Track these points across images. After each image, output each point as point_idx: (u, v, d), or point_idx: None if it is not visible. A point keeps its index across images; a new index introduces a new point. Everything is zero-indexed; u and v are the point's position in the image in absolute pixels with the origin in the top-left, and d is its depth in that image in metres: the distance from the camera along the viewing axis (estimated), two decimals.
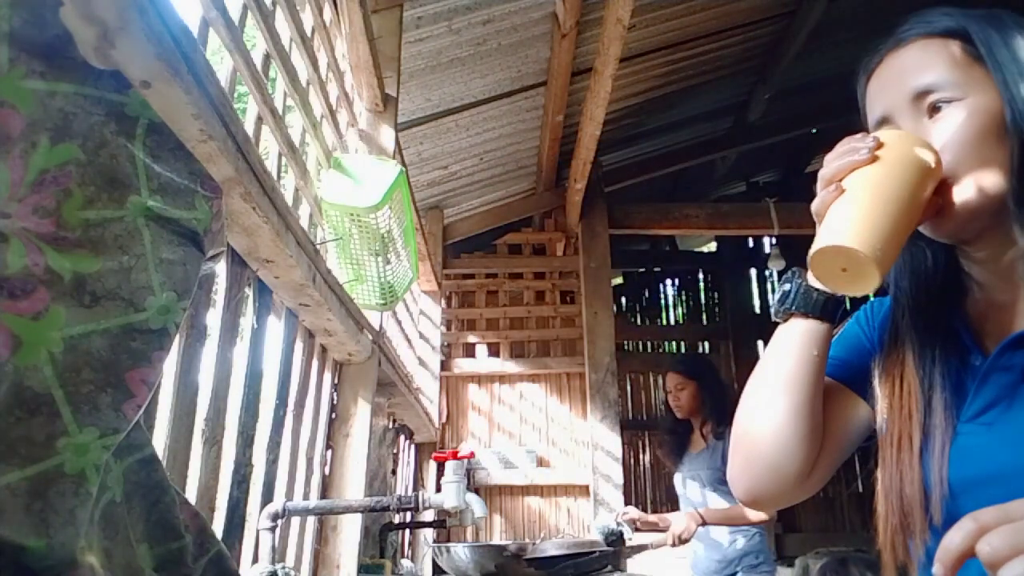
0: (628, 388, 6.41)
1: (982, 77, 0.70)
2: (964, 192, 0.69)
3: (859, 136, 0.71)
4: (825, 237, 0.67)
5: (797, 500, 0.79)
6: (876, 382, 0.78)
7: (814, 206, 0.72)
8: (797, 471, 0.76)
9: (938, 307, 0.76)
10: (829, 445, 0.78)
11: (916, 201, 0.67)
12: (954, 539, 0.47)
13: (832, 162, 0.71)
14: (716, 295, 6.88)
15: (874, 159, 0.69)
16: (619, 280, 7.14)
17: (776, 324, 0.79)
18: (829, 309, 0.75)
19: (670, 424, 3.15)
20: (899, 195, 0.67)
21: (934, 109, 0.71)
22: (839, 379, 0.81)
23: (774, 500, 0.80)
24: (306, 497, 1.83)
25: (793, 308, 0.76)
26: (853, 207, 0.68)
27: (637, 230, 4.75)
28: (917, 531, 0.69)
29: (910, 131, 0.71)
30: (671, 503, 6.32)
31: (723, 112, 4.95)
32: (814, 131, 5.46)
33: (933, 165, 0.68)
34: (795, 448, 0.75)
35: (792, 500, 0.79)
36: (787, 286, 0.77)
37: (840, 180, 0.70)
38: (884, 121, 0.75)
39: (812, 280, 0.75)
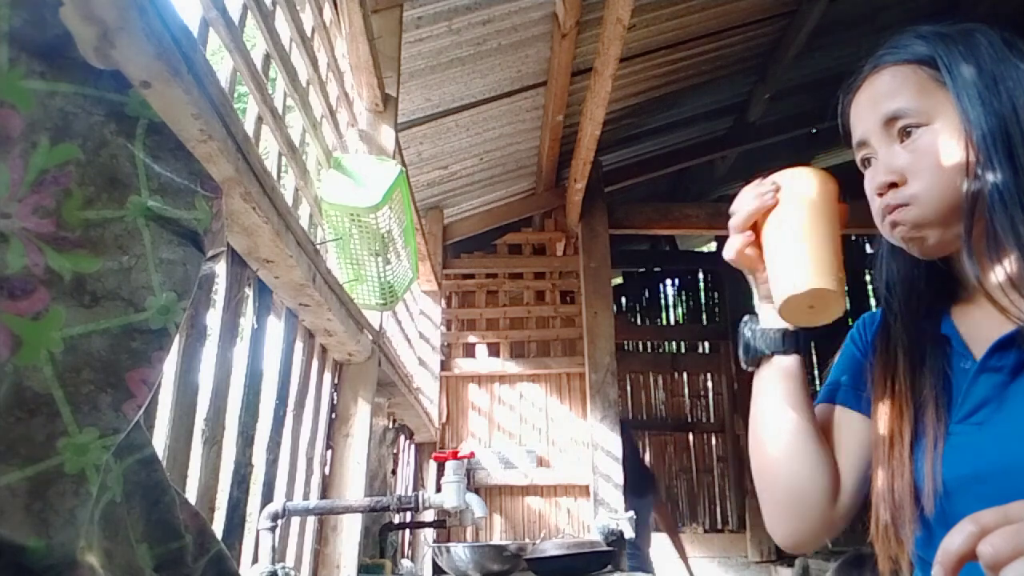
0: (628, 388, 6.41)
1: (949, 102, 0.72)
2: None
3: (757, 183, 0.77)
4: (790, 285, 0.71)
5: (835, 532, 0.79)
6: (870, 384, 0.80)
7: (729, 253, 0.78)
8: (820, 500, 0.77)
9: (929, 313, 0.79)
10: (850, 470, 0.79)
11: (836, 222, 0.73)
12: (954, 540, 0.46)
13: (740, 210, 0.77)
14: (716, 295, 6.88)
15: (779, 201, 0.75)
16: (619, 280, 7.14)
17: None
18: (789, 342, 0.79)
19: None
20: (822, 226, 0.73)
21: (905, 134, 0.73)
22: (845, 404, 0.83)
23: (812, 535, 0.79)
24: (306, 497, 1.83)
25: (757, 353, 0.80)
26: (795, 248, 0.72)
27: (637, 230, 4.75)
28: (907, 523, 0.71)
29: (883, 155, 0.75)
30: (670, 503, 6.33)
31: (723, 112, 4.95)
32: (814, 131, 5.45)
33: (832, 184, 0.74)
34: (809, 477, 0.77)
35: (830, 532, 0.79)
36: (746, 335, 0.81)
37: (752, 226, 0.77)
38: (861, 144, 0.78)
39: (763, 322, 0.80)
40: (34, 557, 0.55)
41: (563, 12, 2.91)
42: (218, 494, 1.29)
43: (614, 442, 4.11)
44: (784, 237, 0.74)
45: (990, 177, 0.68)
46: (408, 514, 2.84)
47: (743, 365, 0.82)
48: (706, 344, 6.70)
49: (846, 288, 0.74)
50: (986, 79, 0.71)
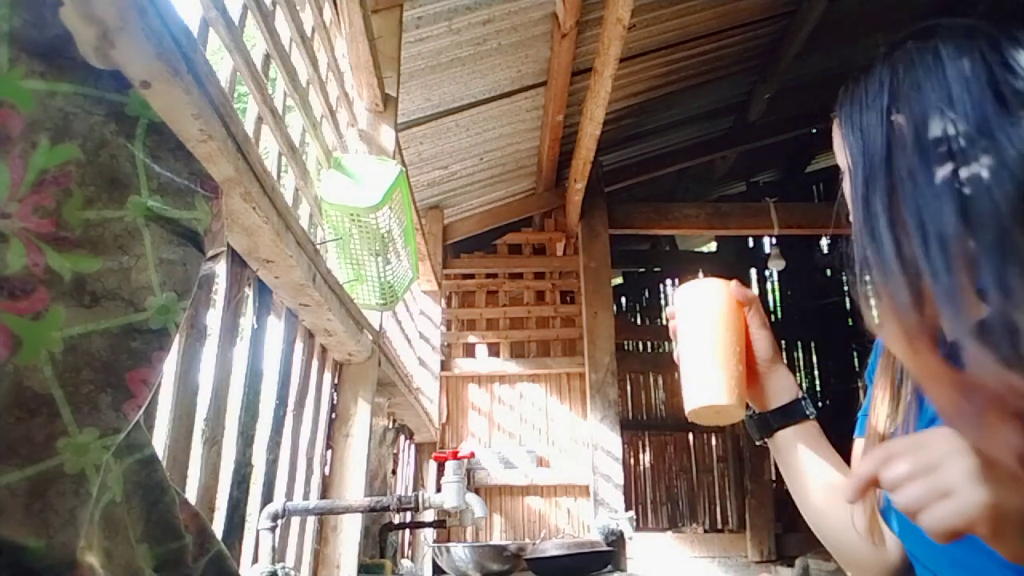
0: (628, 388, 6.41)
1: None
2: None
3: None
4: (687, 401, 0.79)
5: (896, 567, 0.82)
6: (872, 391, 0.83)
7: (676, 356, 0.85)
8: (864, 543, 0.80)
9: None
10: None
11: (727, 328, 0.80)
12: (865, 466, 0.55)
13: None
14: None
15: (676, 318, 0.83)
16: (619, 280, 7.15)
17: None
18: (789, 414, 0.84)
19: None
20: (713, 338, 0.79)
21: None
22: (863, 434, 0.85)
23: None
24: (306, 497, 1.83)
25: (765, 435, 0.86)
26: (686, 367, 0.80)
27: (637, 230, 4.76)
28: (884, 523, 0.77)
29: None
30: (670, 503, 6.34)
31: (723, 112, 4.95)
32: (814, 131, 5.46)
33: (720, 294, 0.81)
34: (845, 527, 0.80)
35: (894, 570, 0.82)
36: (749, 421, 0.87)
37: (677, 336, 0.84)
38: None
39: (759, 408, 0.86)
40: (34, 557, 0.55)
41: (563, 12, 2.91)
42: (218, 494, 1.29)
43: (614, 442, 4.11)
44: (681, 355, 0.82)
45: (858, 236, 0.70)
46: (408, 514, 2.84)
47: (758, 444, 0.88)
48: None
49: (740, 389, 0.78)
50: (872, 120, 0.70)
